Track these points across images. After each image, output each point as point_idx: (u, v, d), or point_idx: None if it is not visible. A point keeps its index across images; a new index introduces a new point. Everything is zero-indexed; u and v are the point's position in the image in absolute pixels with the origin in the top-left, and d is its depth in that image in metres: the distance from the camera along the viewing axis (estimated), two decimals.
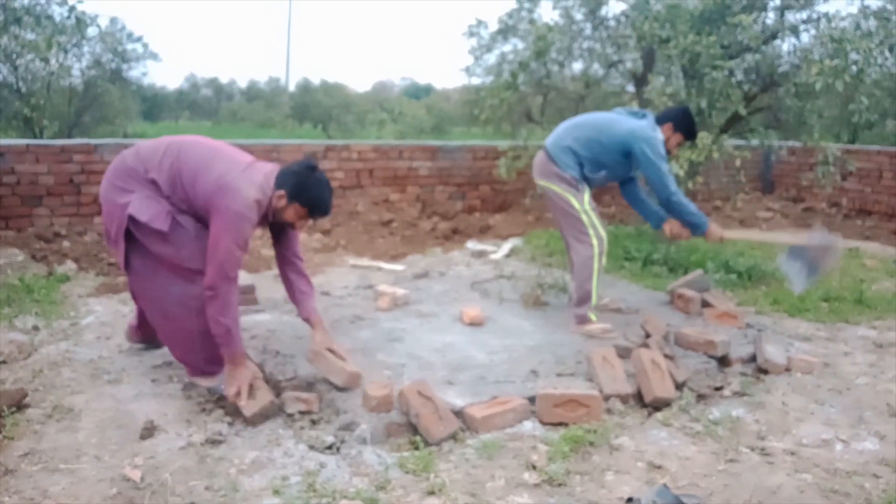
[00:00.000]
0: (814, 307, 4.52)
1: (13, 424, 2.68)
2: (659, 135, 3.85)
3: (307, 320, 3.28)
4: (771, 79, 5.50)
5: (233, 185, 2.84)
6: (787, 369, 3.45)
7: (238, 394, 2.82)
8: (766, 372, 3.42)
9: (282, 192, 2.94)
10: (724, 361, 3.47)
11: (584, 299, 3.87)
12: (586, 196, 3.92)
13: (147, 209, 2.91)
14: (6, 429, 2.64)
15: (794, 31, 5.47)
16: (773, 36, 5.52)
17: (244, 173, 2.90)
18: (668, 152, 3.92)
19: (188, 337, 3.05)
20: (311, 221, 3.12)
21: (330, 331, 3.54)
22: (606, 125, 3.95)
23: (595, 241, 3.87)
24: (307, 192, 2.97)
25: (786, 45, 5.61)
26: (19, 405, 2.82)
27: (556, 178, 3.95)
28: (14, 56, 7.70)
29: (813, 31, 5.42)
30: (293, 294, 3.33)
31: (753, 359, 3.52)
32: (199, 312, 2.94)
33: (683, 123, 3.96)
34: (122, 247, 2.98)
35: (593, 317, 3.86)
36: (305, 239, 6.20)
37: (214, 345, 2.95)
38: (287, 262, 3.32)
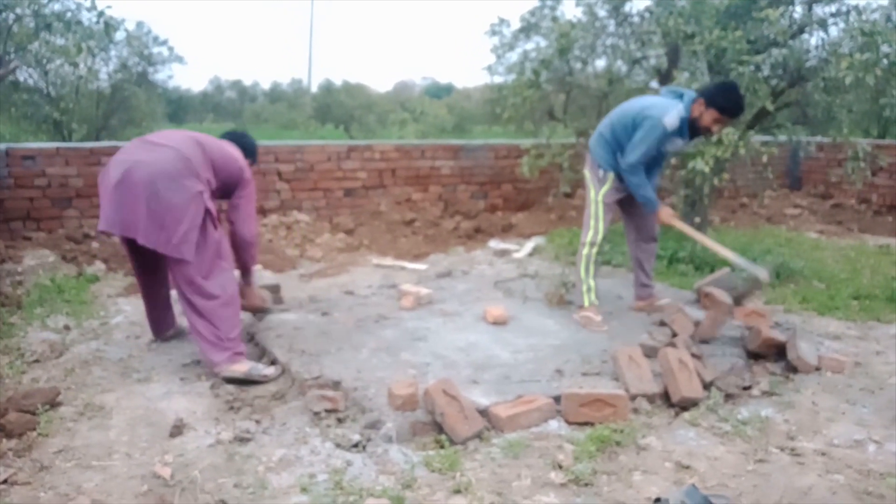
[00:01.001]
0: (844, 305, 4.44)
1: (47, 422, 2.74)
2: (673, 117, 3.71)
3: None
4: (799, 73, 5.40)
5: (245, 166, 3.60)
6: (817, 368, 3.39)
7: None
8: (795, 371, 3.36)
9: (250, 160, 3.81)
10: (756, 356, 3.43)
11: (578, 285, 4.07)
12: (605, 188, 3.99)
13: (211, 204, 3.30)
14: (41, 426, 2.70)
15: (823, 24, 5.37)
16: (801, 30, 5.42)
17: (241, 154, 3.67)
18: (709, 129, 3.76)
19: (235, 314, 3.36)
20: None
21: (355, 330, 3.76)
22: (628, 106, 3.98)
23: (591, 232, 4.01)
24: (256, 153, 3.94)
25: (814, 39, 5.51)
26: (53, 403, 2.88)
27: (589, 167, 4.09)
28: (44, 61, 7.86)
29: (842, 25, 5.32)
30: None
31: (782, 358, 3.47)
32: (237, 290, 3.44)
33: (714, 98, 3.70)
34: (194, 241, 3.21)
35: (586, 301, 4.00)
36: (329, 239, 6.24)
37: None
38: None
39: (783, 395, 3.10)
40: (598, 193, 4.00)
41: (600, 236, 4.00)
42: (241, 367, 3.21)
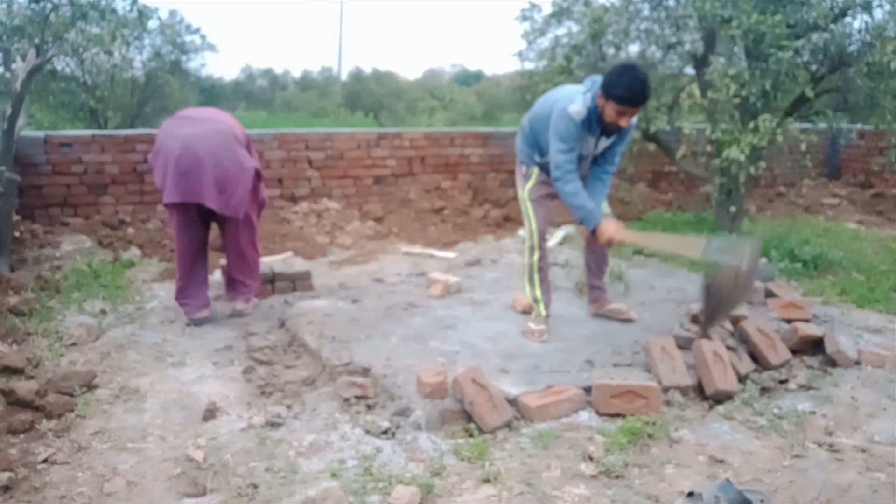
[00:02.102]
0: (884, 298, 4.31)
1: (84, 404, 2.80)
2: (579, 105, 3.25)
3: None
4: (840, 59, 5.24)
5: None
6: (857, 363, 3.31)
7: None
8: (834, 364, 3.28)
9: None
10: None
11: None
12: (530, 183, 3.59)
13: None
14: (78, 408, 2.76)
15: (867, 7, 5.19)
16: (844, 13, 5.26)
17: None
18: (615, 124, 3.24)
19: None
20: None
21: (385, 317, 3.77)
22: (543, 101, 3.55)
23: (526, 236, 3.58)
24: None
25: (857, 22, 5.34)
26: (89, 385, 2.94)
27: (516, 165, 3.72)
28: (80, 50, 7.98)
29: (888, 7, 5.14)
30: None
31: (820, 351, 3.38)
32: None
33: (609, 89, 3.16)
34: (247, 203, 3.77)
35: (533, 312, 3.61)
36: (358, 226, 6.25)
37: None
38: None
39: (821, 390, 3.03)
40: (523, 191, 3.62)
41: (536, 238, 3.55)
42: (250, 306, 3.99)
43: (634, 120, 3.39)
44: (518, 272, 4.79)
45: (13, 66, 5.06)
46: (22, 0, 5.27)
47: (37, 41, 5.03)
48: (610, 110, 3.21)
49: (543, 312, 3.58)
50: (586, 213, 3.31)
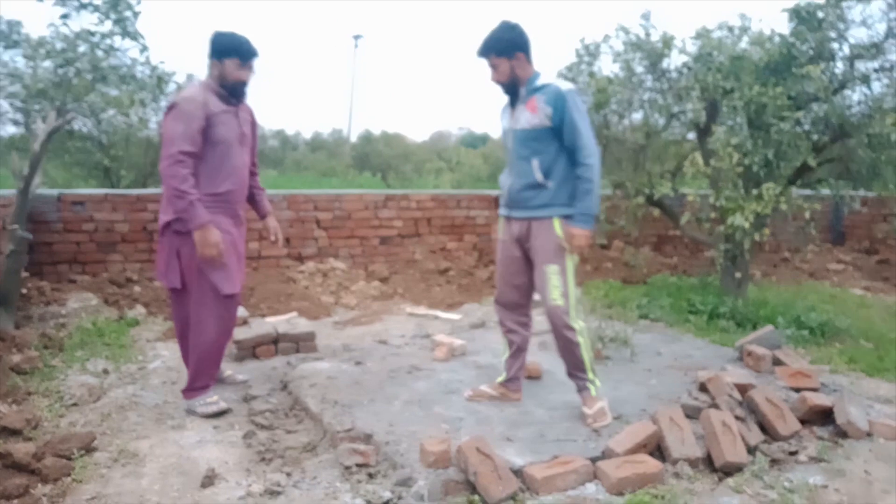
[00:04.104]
0: (894, 367, 4.25)
1: (82, 467, 2.75)
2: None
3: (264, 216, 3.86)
4: (841, 129, 5.33)
5: (169, 109, 3.60)
6: (869, 434, 3.23)
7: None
8: (844, 436, 3.21)
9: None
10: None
11: None
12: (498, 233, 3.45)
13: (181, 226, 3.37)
14: (75, 472, 2.72)
15: (865, 80, 5.32)
16: (843, 86, 5.38)
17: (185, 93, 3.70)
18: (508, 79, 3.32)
19: (218, 349, 3.49)
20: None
21: (388, 380, 3.73)
22: None
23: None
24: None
25: (856, 94, 5.46)
26: (88, 448, 2.90)
27: None
28: (98, 111, 8.20)
29: (885, 80, 5.26)
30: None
31: (829, 421, 3.32)
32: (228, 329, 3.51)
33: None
34: (177, 268, 3.40)
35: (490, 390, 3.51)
36: (364, 287, 6.27)
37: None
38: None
39: (832, 462, 2.96)
40: None
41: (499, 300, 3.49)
42: (200, 406, 3.43)
43: (569, 91, 3.20)
44: None
45: (33, 126, 5.21)
46: (47, 64, 5.47)
47: (58, 103, 5.19)
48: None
49: (499, 379, 3.54)
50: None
